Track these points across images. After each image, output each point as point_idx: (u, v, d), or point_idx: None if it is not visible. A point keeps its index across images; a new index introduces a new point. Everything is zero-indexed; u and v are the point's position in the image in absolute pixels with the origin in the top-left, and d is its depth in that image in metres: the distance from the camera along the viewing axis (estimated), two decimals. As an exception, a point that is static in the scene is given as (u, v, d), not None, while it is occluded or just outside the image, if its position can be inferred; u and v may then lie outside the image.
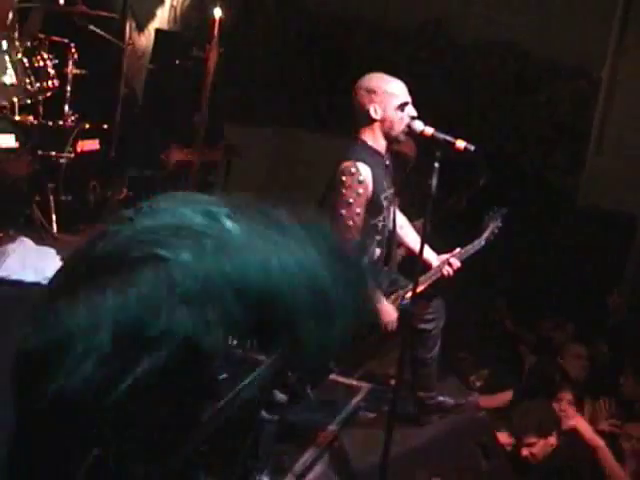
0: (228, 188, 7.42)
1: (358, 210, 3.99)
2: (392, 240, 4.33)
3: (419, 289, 4.17)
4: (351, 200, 3.97)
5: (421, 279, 4.28)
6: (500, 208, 4.70)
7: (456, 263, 4.44)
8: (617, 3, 7.63)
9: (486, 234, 4.60)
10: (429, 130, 3.92)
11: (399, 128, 4.13)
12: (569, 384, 5.41)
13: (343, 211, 3.97)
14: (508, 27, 8.07)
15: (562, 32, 7.79)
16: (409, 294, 4.16)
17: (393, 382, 4.68)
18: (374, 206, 4.08)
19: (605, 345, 6.05)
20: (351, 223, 3.97)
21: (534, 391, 5.33)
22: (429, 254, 4.43)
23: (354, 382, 5.43)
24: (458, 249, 4.49)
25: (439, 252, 4.49)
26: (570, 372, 5.65)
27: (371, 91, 4.12)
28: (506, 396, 5.37)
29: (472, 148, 3.85)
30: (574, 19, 7.73)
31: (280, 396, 4.22)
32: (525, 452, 4.62)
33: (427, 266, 4.41)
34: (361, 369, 5.61)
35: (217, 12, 6.30)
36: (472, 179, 3.77)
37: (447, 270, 4.42)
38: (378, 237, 4.20)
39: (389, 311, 4.19)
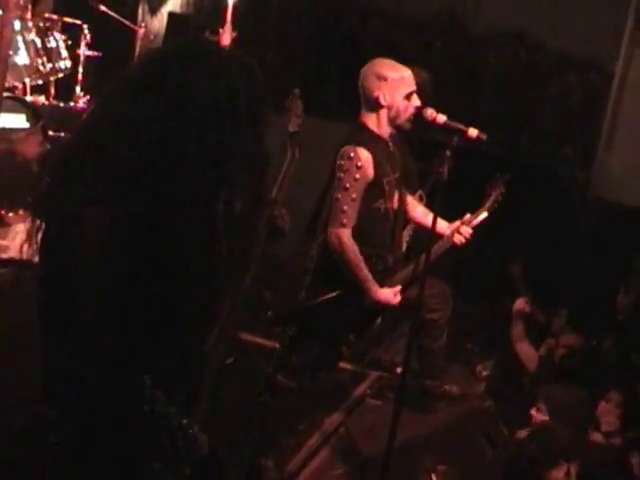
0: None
1: (354, 195, 4.00)
2: (396, 224, 4.32)
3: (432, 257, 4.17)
4: (347, 185, 3.99)
5: (434, 248, 4.27)
6: (502, 175, 4.60)
7: (468, 230, 4.40)
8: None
9: (489, 203, 4.52)
10: (441, 117, 3.91)
11: (404, 116, 4.14)
12: (618, 385, 5.35)
13: (339, 195, 4.00)
14: (521, 18, 8.03)
15: (575, 24, 7.74)
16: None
17: (400, 370, 4.70)
18: (375, 189, 4.09)
19: (612, 340, 6.02)
20: (346, 208, 3.99)
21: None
22: (440, 223, 4.39)
23: (361, 369, 5.44)
24: (467, 215, 4.44)
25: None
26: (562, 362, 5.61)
27: (381, 78, 4.11)
28: None
29: (484, 137, 3.83)
30: (588, 11, 7.69)
31: (284, 381, 4.23)
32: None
33: (439, 235, 4.36)
34: (368, 356, 5.62)
35: (231, -3, 6.29)
36: (447, 139, 3.73)
37: (459, 238, 4.38)
38: (380, 220, 4.21)
39: (387, 296, 4.17)
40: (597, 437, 4.64)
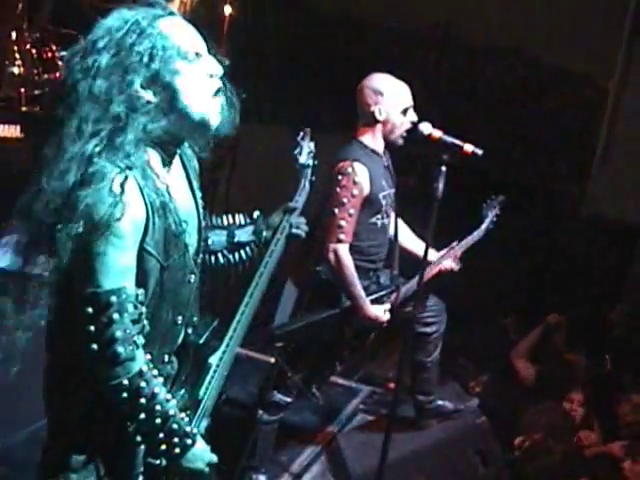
0: (232, 185, 7.42)
1: (352, 211, 3.97)
2: (395, 237, 4.31)
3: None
4: (345, 200, 3.96)
5: (411, 281, 4.28)
6: (497, 196, 4.67)
7: (454, 256, 4.43)
8: (627, 12, 7.61)
9: (485, 224, 4.58)
10: (437, 133, 3.88)
11: (399, 132, 4.12)
12: (579, 385, 5.38)
13: (336, 210, 3.96)
14: (518, 32, 8.05)
15: (571, 39, 7.77)
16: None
17: (392, 385, 4.68)
18: (372, 204, 4.07)
19: (606, 357, 6.01)
20: (343, 223, 3.96)
21: (543, 394, 5.31)
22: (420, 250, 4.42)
23: (353, 384, 5.43)
24: (455, 243, 4.47)
25: (438, 246, 4.42)
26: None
27: (378, 92, 4.10)
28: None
29: (480, 152, 3.81)
30: (584, 27, 7.71)
31: (279, 397, 4.22)
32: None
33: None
34: (361, 371, 5.61)
35: (227, 9, 6.29)
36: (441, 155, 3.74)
37: (445, 266, 4.40)
38: (378, 235, 4.19)
39: (377, 313, 4.15)
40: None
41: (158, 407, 2.00)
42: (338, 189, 3.97)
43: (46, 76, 5.94)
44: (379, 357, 5.74)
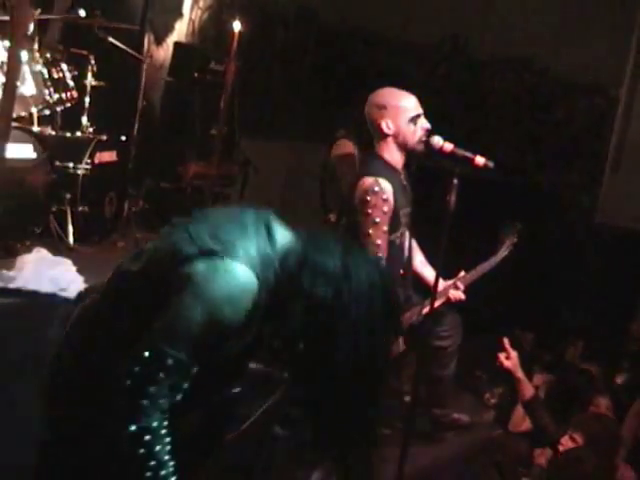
0: (244, 201, 7.43)
1: (385, 228, 3.97)
2: (410, 256, 4.30)
3: (425, 310, 4.17)
4: (378, 219, 3.95)
5: (426, 302, 4.22)
6: (514, 223, 4.65)
7: (461, 287, 4.37)
8: (636, 20, 7.61)
9: (501, 251, 4.55)
10: (449, 146, 3.89)
11: (413, 140, 4.10)
12: (605, 390, 5.29)
13: (370, 231, 3.95)
14: (525, 43, 8.06)
15: (580, 49, 7.76)
16: (424, 311, 4.15)
17: (408, 399, 4.67)
18: (394, 222, 4.06)
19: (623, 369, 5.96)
20: (379, 242, 3.95)
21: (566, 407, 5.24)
22: (431, 276, 4.32)
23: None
24: (462, 273, 4.43)
25: (451, 271, 4.40)
26: None
27: (381, 106, 4.11)
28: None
29: (491, 164, 3.82)
30: (592, 36, 7.71)
31: (294, 412, 4.21)
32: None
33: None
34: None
35: (236, 26, 6.30)
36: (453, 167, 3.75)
37: (454, 294, 4.35)
38: (396, 253, 4.18)
39: None
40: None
41: (154, 463, 2.01)
42: (369, 209, 3.94)
43: (57, 96, 5.97)
44: (393, 371, 5.72)
